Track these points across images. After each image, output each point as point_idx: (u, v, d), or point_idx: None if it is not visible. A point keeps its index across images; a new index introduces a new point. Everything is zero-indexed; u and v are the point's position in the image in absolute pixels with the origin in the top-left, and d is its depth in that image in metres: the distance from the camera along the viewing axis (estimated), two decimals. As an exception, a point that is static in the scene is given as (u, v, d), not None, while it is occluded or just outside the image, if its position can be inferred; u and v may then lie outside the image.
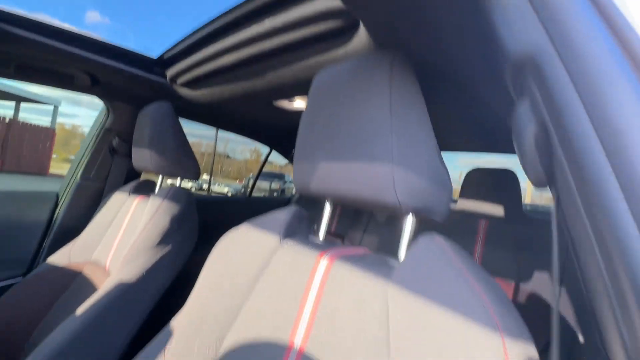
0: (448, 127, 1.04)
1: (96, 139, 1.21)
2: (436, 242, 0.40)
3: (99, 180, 1.23)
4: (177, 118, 1.00)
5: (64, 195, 1.19)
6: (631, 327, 0.18)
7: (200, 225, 1.00)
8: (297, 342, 0.43)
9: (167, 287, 0.87)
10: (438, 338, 0.32)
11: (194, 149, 1.06)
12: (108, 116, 1.21)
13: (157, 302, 0.84)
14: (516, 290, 1.03)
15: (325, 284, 0.44)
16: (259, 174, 2.13)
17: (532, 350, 0.30)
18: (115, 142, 1.22)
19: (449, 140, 1.24)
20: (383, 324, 0.37)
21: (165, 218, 0.87)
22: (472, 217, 1.19)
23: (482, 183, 1.22)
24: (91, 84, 1.01)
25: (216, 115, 1.38)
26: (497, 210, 1.14)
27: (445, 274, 0.35)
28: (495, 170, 1.18)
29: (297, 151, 0.52)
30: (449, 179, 0.45)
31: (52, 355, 0.67)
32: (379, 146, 0.40)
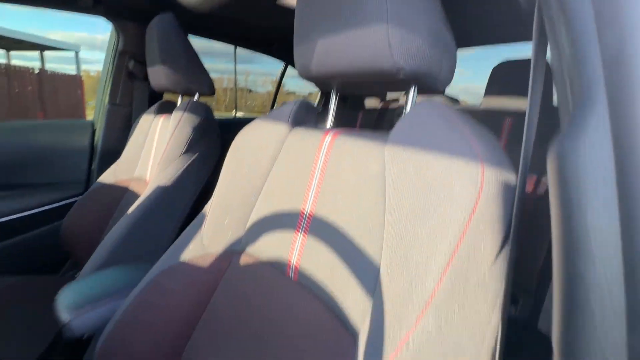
0: (470, 15, 0.92)
1: (112, 63, 1.24)
2: (432, 102, 0.40)
3: (125, 105, 1.30)
4: (183, 30, 0.98)
5: (98, 122, 1.29)
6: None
7: (223, 144, 1.05)
8: (308, 208, 0.48)
9: (199, 192, 0.97)
10: (424, 178, 0.34)
11: (216, 85, 1.07)
12: (119, 39, 1.21)
13: (192, 205, 0.96)
14: (537, 182, 1.03)
15: (330, 155, 0.47)
16: (278, 90, 2.10)
17: (509, 177, 0.32)
18: (131, 65, 1.24)
19: (473, 31, 1.12)
20: (380, 180, 0.40)
21: (187, 128, 0.93)
22: (496, 116, 1.14)
23: (510, 77, 1.14)
24: (93, 3, 1.00)
25: (224, 29, 1.34)
26: (524, 105, 1.08)
27: (435, 123, 0.37)
28: (526, 61, 1.08)
29: (296, 35, 0.50)
30: (452, 42, 0.43)
31: (114, 248, 0.82)
32: (371, 7, 0.38)
